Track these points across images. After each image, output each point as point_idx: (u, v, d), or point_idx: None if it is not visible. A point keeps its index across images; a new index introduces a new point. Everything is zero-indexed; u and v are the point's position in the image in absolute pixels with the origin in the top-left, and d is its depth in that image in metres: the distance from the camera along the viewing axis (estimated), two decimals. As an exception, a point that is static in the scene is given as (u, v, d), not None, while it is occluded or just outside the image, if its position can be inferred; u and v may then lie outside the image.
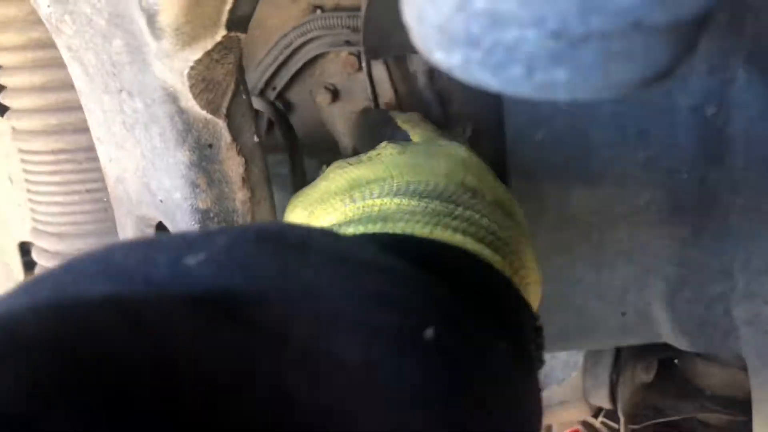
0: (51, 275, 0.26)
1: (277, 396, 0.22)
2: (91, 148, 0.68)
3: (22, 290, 0.25)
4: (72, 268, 0.26)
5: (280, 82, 0.85)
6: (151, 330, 0.22)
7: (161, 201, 0.51)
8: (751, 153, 0.75)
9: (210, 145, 0.48)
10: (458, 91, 0.81)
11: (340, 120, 0.87)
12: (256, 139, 0.50)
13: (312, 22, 0.82)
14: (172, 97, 0.45)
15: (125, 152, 0.51)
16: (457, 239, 0.41)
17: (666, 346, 0.95)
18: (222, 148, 0.48)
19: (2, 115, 0.77)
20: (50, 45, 0.65)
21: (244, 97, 0.49)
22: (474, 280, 0.39)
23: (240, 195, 0.50)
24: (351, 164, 0.50)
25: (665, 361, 1.10)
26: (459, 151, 0.52)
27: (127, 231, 0.56)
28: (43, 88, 0.67)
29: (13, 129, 0.72)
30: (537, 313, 0.43)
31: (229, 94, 0.47)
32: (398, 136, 0.59)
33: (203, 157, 0.48)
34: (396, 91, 0.83)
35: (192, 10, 0.38)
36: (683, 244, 0.84)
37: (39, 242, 0.72)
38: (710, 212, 0.81)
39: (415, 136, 0.58)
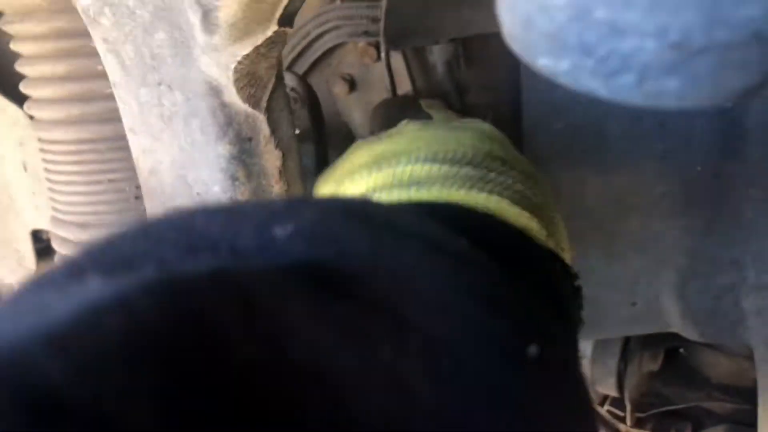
0: (140, 244, 0.23)
1: (401, 395, 0.21)
2: (113, 139, 0.68)
3: (123, 263, 0.22)
4: (155, 235, 0.24)
5: (298, 71, 0.84)
6: (264, 318, 0.20)
7: (198, 194, 0.50)
8: (767, 145, 0.76)
9: (250, 139, 0.47)
10: (476, 81, 0.81)
11: (357, 110, 0.87)
12: (292, 132, 0.50)
13: (330, 12, 0.82)
14: (215, 91, 0.45)
15: (161, 144, 0.51)
16: (492, 202, 0.40)
17: (674, 336, 0.95)
18: (261, 141, 0.48)
19: (20, 105, 0.77)
20: (73, 35, 0.64)
21: (281, 91, 0.48)
22: (524, 254, 0.39)
23: (277, 188, 0.50)
24: (374, 141, 0.48)
25: (671, 350, 1.11)
26: (482, 125, 0.52)
27: (159, 223, 0.56)
28: (65, 78, 0.66)
29: (33, 119, 0.72)
30: (576, 273, 0.43)
31: (270, 88, 0.47)
32: (420, 117, 0.59)
33: (243, 151, 0.48)
34: (413, 81, 0.83)
35: (251, 6, 0.38)
36: (695, 236, 0.85)
37: (59, 231, 0.72)
38: (724, 204, 0.81)
39: (438, 117, 0.58)
